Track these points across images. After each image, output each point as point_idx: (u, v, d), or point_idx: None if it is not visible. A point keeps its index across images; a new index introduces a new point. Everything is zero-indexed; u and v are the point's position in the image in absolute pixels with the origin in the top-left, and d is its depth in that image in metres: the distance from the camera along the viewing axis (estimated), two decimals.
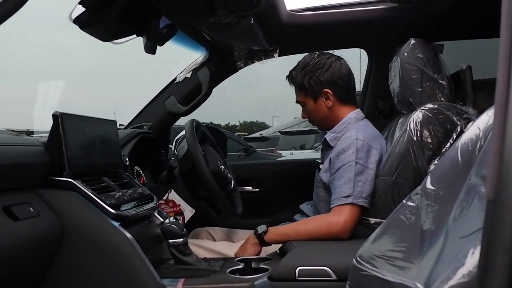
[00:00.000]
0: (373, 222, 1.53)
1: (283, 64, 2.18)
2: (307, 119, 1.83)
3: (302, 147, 10.90)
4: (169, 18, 1.56)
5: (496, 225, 0.42)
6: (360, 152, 1.57)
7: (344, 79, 1.73)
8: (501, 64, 0.42)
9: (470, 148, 0.82)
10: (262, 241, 1.59)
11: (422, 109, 1.52)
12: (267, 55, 2.04)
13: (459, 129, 1.50)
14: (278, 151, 10.50)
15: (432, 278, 0.72)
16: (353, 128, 1.67)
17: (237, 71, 2.16)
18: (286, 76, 1.82)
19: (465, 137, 0.84)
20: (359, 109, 1.78)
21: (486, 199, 0.43)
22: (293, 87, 1.80)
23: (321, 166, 1.77)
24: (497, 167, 0.41)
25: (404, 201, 0.93)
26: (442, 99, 1.62)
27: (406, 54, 1.65)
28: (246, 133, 21.69)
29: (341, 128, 1.71)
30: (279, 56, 2.04)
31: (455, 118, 1.51)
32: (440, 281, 0.57)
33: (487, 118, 0.81)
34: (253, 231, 1.75)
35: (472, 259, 0.53)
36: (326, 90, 1.72)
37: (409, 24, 1.91)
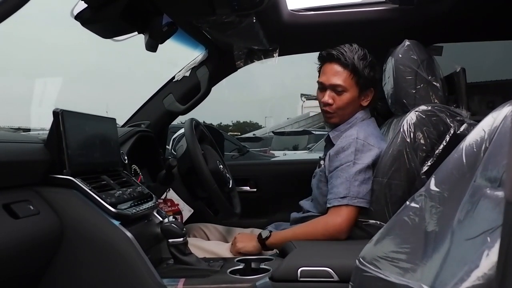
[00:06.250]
0: (365, 223, 1.52)
1: (277, 65, 2.17)
2: (327, 106, 1.69)
3: (295, 148, 10.88)
4: (171, 16, 1.55)
5: None
6: (359, 152, 1.57)
7: (380, 85, 1.74)
8: None
9: (475, 150, 0.82)
10: (264, 245, 1.62)
11: (416, 111, 1.52)
12: (267, 54, 2.03)
13: (452, 131, 1.50)
14: (271, 152, 10.46)
15: (438, 280, 0.72)
16: (355, 127, 1.67)
17: (236, 70, 2.15)
18: (331, 53, 1.68)
19: (469, 139, 0.84)
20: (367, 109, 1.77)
21: (505, 200, 0.43)
22: (338, 66, 1.67)
23: (321, 162, 1.77)
24: None
25: (407, 202, 0.93)
26: (435, 101, 1.62)
27: (400, 56, 1.65)
28: (239, 133, 21.64)
29: (346, 127, 1.70)
30: (278, 56, 2.03)
31: (448, 120, 1.51)
32: (453, 284, 0.57)
33: (492, 120, 0.81)
34: (246, 229, 1.74)
35: (487, 261, 0.53)
36: (372, 89, 1.72)
37: (409, 25, 1.91)
